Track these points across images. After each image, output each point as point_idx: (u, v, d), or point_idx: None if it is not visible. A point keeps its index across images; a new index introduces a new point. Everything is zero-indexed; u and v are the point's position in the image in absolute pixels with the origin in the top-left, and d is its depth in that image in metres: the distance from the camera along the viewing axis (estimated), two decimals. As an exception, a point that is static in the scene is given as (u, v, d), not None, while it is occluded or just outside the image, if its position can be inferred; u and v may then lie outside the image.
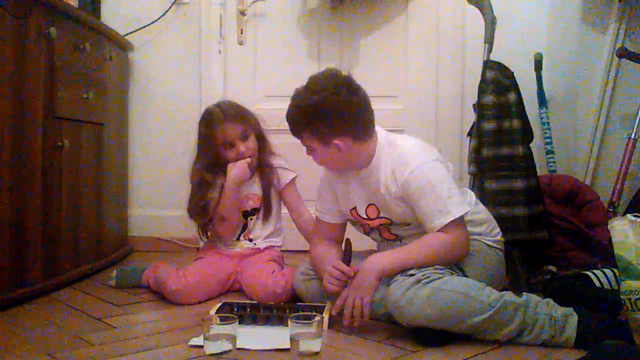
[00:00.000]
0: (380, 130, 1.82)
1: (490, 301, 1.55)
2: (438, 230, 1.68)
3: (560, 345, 1.54)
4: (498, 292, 1.59)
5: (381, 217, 1.82)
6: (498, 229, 1.91)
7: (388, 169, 1.75)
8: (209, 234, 2.34)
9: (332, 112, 1.70)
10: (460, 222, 1.70)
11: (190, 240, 2.98)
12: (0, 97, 1.87)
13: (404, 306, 1.57)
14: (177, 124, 3.06)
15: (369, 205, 1.83)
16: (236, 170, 2.18)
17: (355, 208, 1.87)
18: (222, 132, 2.17)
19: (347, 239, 1.81)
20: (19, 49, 1.95)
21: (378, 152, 1.78)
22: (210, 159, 2.22)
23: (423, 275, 1.59)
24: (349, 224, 1.99)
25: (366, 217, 1.85)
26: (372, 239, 1.95)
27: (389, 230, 1.85)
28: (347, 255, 1.76)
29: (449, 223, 1.67)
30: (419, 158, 1.74)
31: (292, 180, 2.31)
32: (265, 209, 2.27)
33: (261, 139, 2.27)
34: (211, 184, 2.19)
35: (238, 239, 2.28)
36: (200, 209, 2.18)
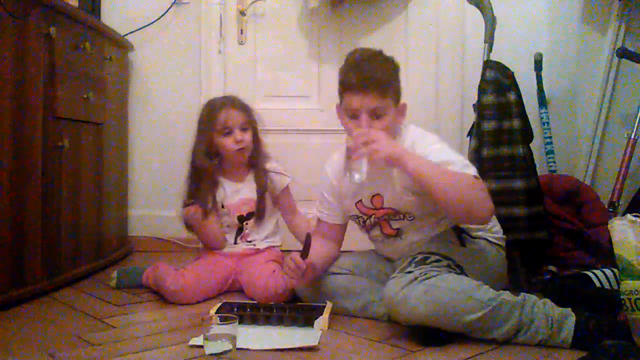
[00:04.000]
0: None
1: (486, 300, 1.55)
2: None
3: (557, 345, 1.54)
4: (494, 291, 1.59)
5: (385, 208, 1.83)
6: (499, 227, 1.91)
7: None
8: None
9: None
10: (482, 183, 1.67)
11: (190, 240, 2.97)
12: (0, 97, 1.87)
13: (399, 303, 1.57)
14: (177, 124, 3.05)
15: (374, 195, 1.84)
16: (187, 215, 2.14)
17: (361, 201, 1.87)
18: (223, 116, 2.18)
19: (308, 234, 1.80)
20: (19, 49, 1.95)
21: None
22: (207, 144, 2.21)
23: (420, 273, 1.59)
24: (352, 225, 1.99)
25: (372, 207, 1.85)
26: (372, 238, 1.95)
27: (389, 224, 1.85)
28: (305, 250, 1.76)
29: (472, 176, 1.65)
30: (432, 138, 1.79)
31: (287, 186, 2.31)
32: (258, 213, 2.26)
33: (257, 140, 2.27)
34: (208, 171, 2.21)
35: (236, 242, 2.28)
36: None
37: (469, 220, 1.72)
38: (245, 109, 2.24)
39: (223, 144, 2.20)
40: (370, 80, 1.70)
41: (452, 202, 1.62)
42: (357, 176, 1.63)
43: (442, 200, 1.62)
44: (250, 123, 2.23)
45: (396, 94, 1.77)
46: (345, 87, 1.75)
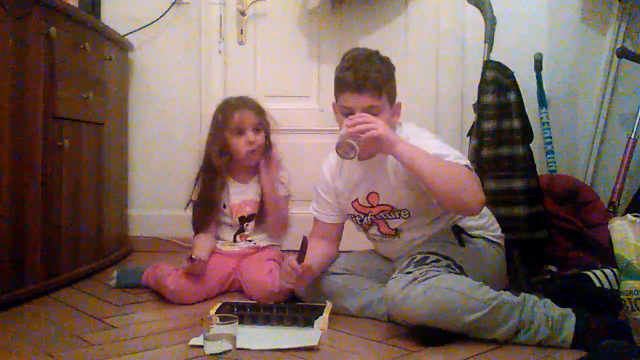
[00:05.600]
0: None
1: (486, 300, 1.55)
2: None
3: (557, 345, 1.54)
4: (494, 291, 1.59)
5: (381, 205, 1.83)
6: (497, 225, 1.92)
7: None
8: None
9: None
10: (474, 174, 1.67)
11: (190, 240, 2.97)
12: (0, 97, 1.87)
13: (399, 303, 1.57)
14: (177, 124, 3.06)
15: (370, 193, 1.84)
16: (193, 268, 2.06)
17: (357, 199, 1.88)
18: (237, 117, 2.19)
19: (304, 237, 1.80)
20: (19, 49, 1.95)
21: None
22: (220, 144, 2.22)
23: (420, 274, 1.59)
24: (352, 226, 1.99)
25: (368, 204, 1.85)
26: (371, 237, 1.95)
27: (387, 224, 1.85)
28: (302, 253, 1.76)
29: (464, 165, 1.65)
30: (427, 134, 1.80)
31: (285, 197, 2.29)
32: (260, 216, 2.25)
33: (268, 142, 2.26)
34: (221, 171, 2.22)
35: (235, 240, 2.28)
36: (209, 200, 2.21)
37: (460, 209, 1.70)
38: (259, 111, 2.24)
39: (235, 144, 2.20)
40: (365, 81, 1.71)
41: (442, 189, 1.61)
42: (349, 152, 1.63)
43: (433, 187, 1.61)
44: (263, 125, 2.24)
45: (391, 94, 1.78)
46: (340, 86, 1.76)
